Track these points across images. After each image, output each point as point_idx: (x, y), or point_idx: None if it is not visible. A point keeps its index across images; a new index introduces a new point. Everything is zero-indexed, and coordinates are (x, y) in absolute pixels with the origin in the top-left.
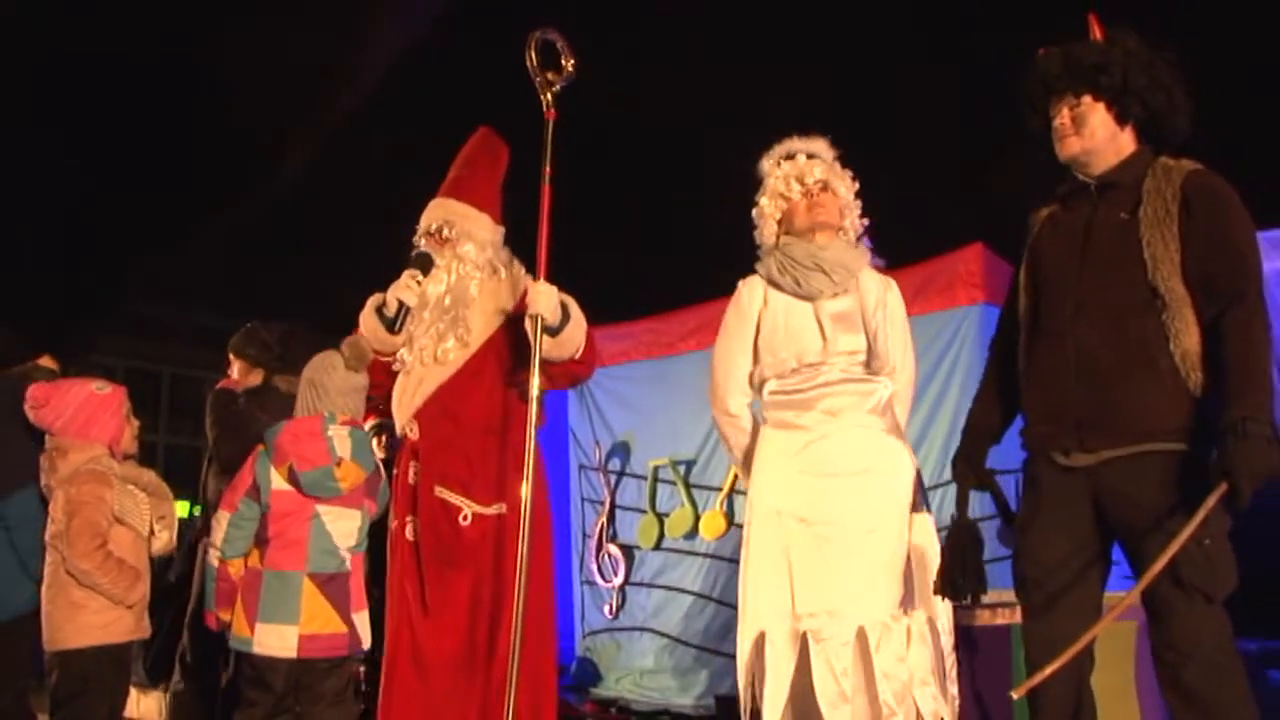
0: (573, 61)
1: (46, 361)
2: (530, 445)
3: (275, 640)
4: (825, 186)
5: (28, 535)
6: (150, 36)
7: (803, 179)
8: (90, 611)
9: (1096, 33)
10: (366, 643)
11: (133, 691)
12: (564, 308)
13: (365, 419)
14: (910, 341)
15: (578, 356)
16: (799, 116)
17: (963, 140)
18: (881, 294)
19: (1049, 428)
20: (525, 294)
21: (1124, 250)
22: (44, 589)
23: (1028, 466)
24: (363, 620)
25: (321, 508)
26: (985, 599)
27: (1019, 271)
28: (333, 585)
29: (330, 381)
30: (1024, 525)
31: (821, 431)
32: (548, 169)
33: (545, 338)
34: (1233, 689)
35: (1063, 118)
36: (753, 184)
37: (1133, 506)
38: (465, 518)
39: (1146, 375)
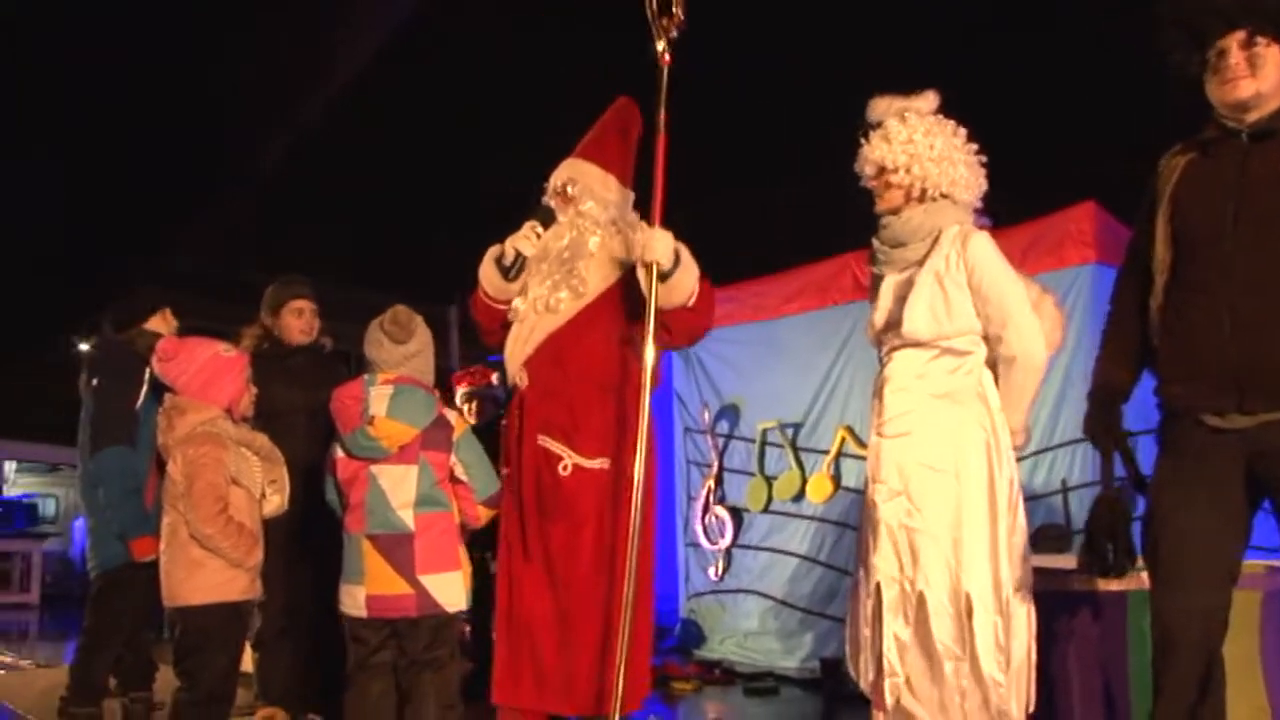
0: (683, 7)
1: (156, 323)
2: (645, 398)
3: (349, 600)
4: (883, 170)
5: (113, 490)
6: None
7: (864, 169)
8: (210, 570)
9: None
10: (454, 604)
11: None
12: (675, 254)
13: (456, 385)
14: (1010, 290)
15: (690, 304)
16: (905, 71)
17: (1073, 95)
18: (955, 255)
19: (1199, 387)
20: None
21: None
22: (163, 547)
23: (1167, 428)
24: (445, 581)
25: (374, 469)
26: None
27: (1151, 221)
28: (393, 546)
29: (377, 355)
30: (1161, 489)
31: (882, 395)
32: (663, 115)
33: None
34: None
35: (1235, 56)
36: (855, 145)
37: None
38: (565, 467)
39: None
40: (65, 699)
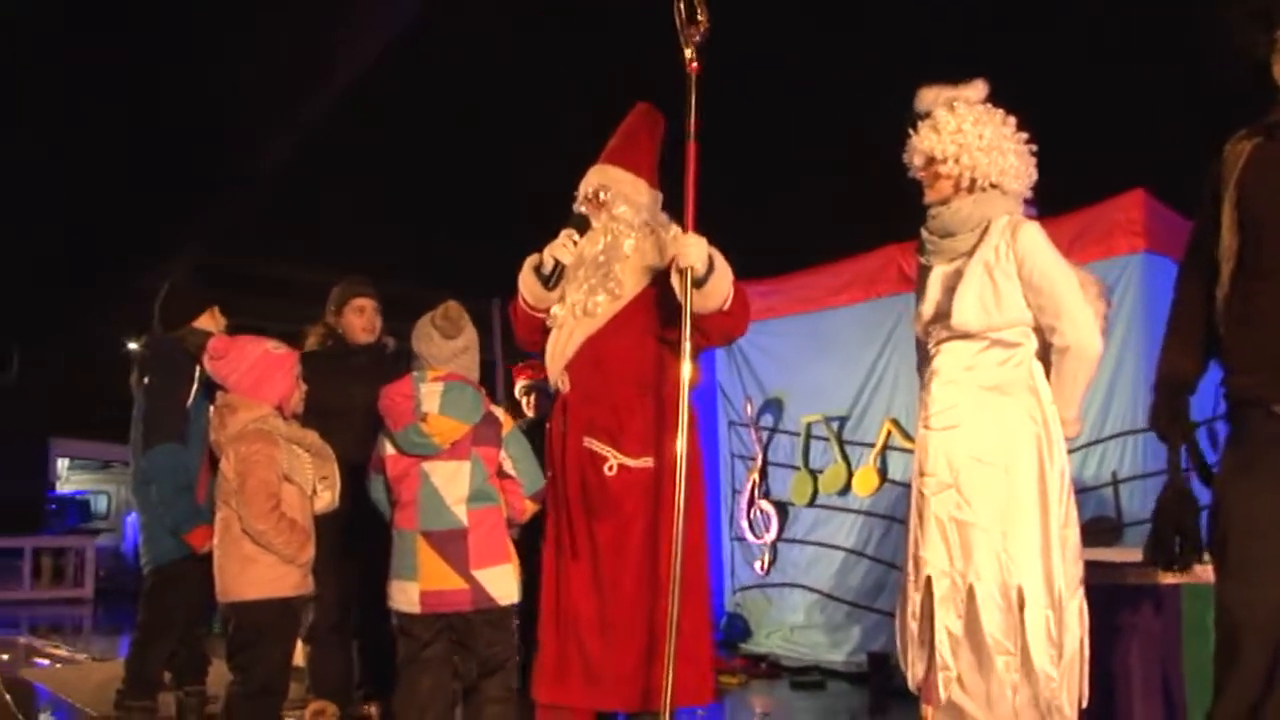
0: (706, 13)
1: (206, 321)
2: (684, 399)
3: (402, 596)
4: (931, 161)
5: (165, 486)
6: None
7: (913, 160)
8: (263, 566)
9: None
10: (507, 597)
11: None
12: (709, 259)
13: (516, 377)
14: (1063, 280)
15: (725, 308)
16: (952, 60)
17: (1122, 82)
18: (1004, 245)
19: (1269, 377)
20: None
21: None
22: (216, 543)
23: (1234, 419)
24: (498, 575)
25: (427, 465)
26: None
27: (1216, 208)
28: (447, 541)
29: (427, 350)
30: (1229, 481)
31: (930, 387)
32: (692, 123)
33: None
34: None
35: None
36: (901, 136)
37: None
38: (611, 468)
39: None
40: (121, 692)
